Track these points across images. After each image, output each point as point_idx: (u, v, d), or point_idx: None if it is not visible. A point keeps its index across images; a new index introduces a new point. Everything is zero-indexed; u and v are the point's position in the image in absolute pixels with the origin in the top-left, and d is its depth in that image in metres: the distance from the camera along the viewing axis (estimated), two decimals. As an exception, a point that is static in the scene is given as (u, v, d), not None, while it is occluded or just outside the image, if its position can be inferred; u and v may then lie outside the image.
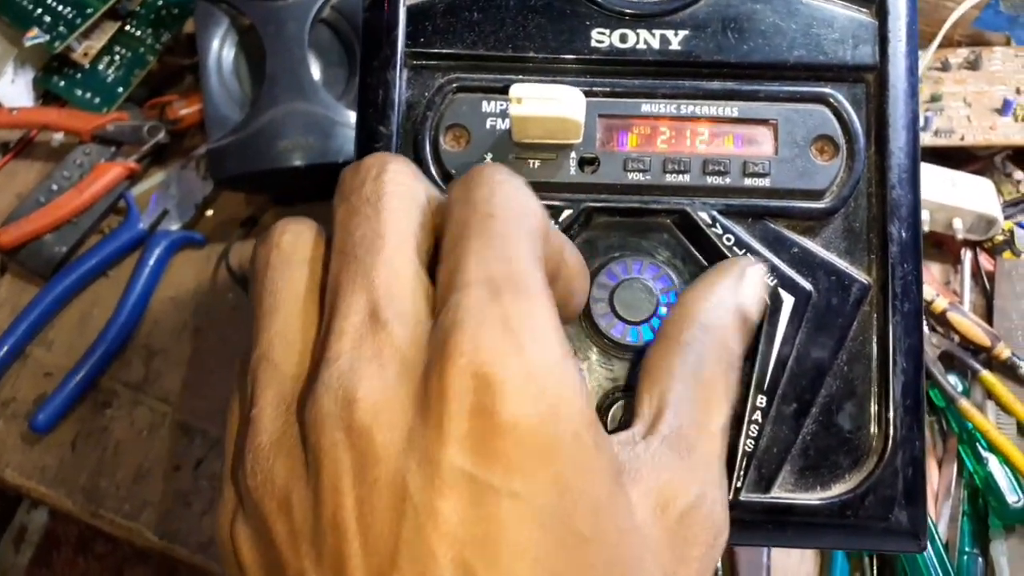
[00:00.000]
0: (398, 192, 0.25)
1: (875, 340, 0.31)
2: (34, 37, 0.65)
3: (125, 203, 0.67)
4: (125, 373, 0.64)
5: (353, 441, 0.21)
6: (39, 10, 0.67)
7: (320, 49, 0.64)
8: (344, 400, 0.22)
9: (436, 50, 0.32)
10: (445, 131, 0.32)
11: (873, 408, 0.31)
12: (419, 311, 0.23)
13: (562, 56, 0.33)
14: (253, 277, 0.27)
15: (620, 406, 0.30)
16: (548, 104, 0.29)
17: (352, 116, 0.62)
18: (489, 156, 0.32)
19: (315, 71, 0.63)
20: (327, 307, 0.24)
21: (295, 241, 0.26)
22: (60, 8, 0.67)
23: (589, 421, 0.22)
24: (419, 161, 0.32)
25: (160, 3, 0.71)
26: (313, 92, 0.62)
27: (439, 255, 0.24)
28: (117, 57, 0.69)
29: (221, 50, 0.64)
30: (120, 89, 0.69)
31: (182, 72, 0.72)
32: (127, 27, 0.70)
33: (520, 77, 0.32)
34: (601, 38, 0.33)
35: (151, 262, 0.65)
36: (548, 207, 0.31)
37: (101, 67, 0.69)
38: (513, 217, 0.24)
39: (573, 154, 0.32)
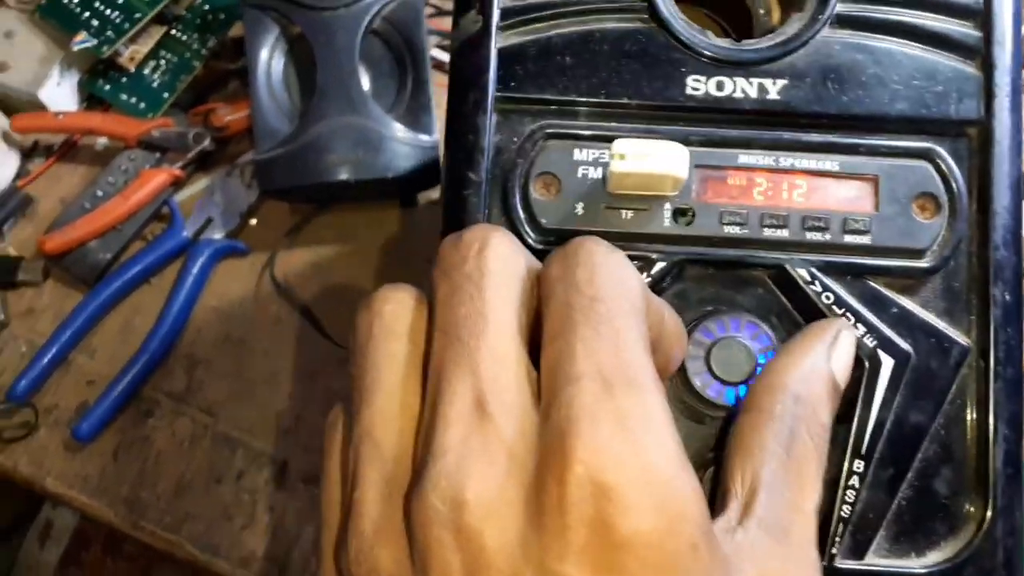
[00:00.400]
0: (501, 270, 0.24)
1: (974, 404, 0.30)
2: (82, 41, 0.65)
3: (169, 210, 0.67)
4: (167, 382, 0.64)
5: (462, 543, 0.21)
6: (87, 13, 0.66)
7: (370, 60, 0.63)
8: (453, 500, 0.21)
9: (527, 95, 0.32)
10: (535, 179, 0.31)
11: (972, 475, 0.30)
12: (525, 401, 0.23)
13: (657, 103, 0.32)
14: (354, 345, 0.27)
15: (709, 477, 0.29)
16: (652, 161, 0.28)
17: (401, 130, 0.62)
18: (580, 206, 0.31)
19: (364, 82, 0.62)
20: (430, 389, 0.24)
21: (397, 311, 0.26)
22: (108, 12, 0.66)
23: (706, 530, 0.21)
24: (507, 209, 0.31)
25: (206, 7, 0.70)
26: (363, 105, 0.61)
27: (542, 337, 0.24)
28: (163, 62, 0.69)
29: (270, 60, 0.63)
30: (166, 94, 0.68)
31: (227, 77, 0.72)
32: (173, 31, 0.69)
33: (613, 124, 0.32)
34: (697, 85, 0.32)
35: (194, 271, 0.65)
36: (640, 258, 0.31)
37: (147, 72, 0.68)
38: (618, 300, 0.23)
39: (668, 205, 0.31)
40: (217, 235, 0.66)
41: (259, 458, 0.62)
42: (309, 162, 0.61)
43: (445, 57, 0.72)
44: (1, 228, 0.67)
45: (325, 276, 0.67)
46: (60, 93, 0.67)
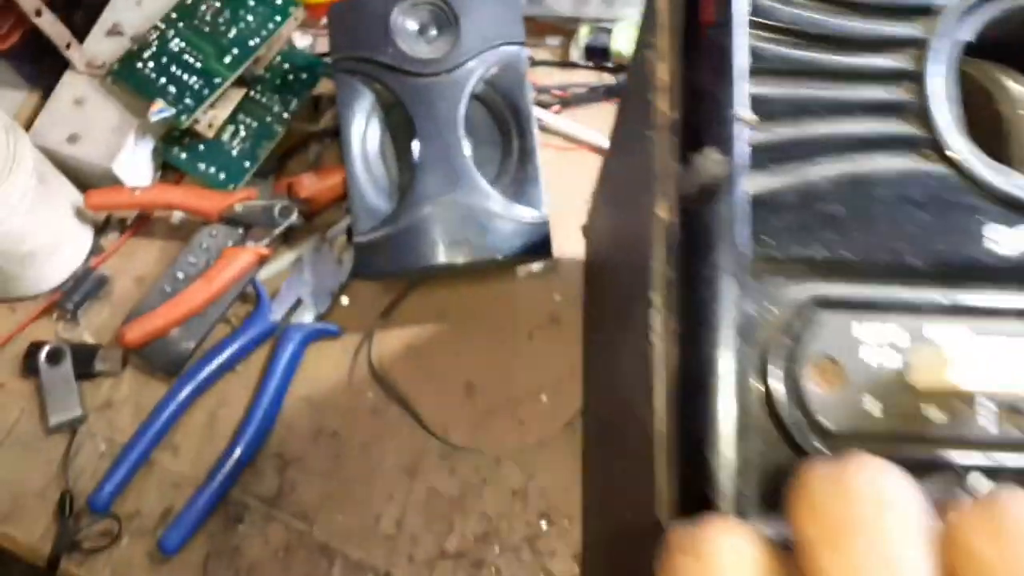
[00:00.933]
0: (904, 508, 0.19)
1: None
2: (159, 111, 0.59)
3: (254, 290, 0.62)
4: (257, 484, 0.59)
5: None
6: (163, 79, 0.61)
7: (470, 126, 0.57)
8: None
9: (788, 253, 0.25)
10: (805, 362, 0.25)
11: None
12: None
13: (950, 263, 0.25)
14: None
15: None
16: (996, 371, 0.22)
17: (509, 205, 0.56)
18: (874, 402, 0.25)
19: (465, 149, 0.57)
20: None
21: (737, 562, 0.20)
22: (186, 77, 0.61)
23: None
24: (771, 403, 0.25)
25: (286, 66, 0.65)
26: (468, 180, 0.56)
27: None
28: (243, 128, 0.63)
29: (365, 131, 0.57)
30: (247, 163, 0.63)
31: (308, 139, 0.66)
32: (253, 93, 0.64)
33: (900, 289, 0.25)
34: (995, 237, 0.25)
35: (284, 359, 0.60)
36: (956, 468, 0.24)
37: (226, 138, 0.63)
38: None
39: (991, 404, 0.25)
40: (307, 318, 0.61)
41: (359, 570, 0.57)
42: (413, 246, 0.55)
43: (545, 116, 0.66)
44: (76, 312, 0.62)
45: (423, 359, 0.61)
46: (134, 163, 0.62)
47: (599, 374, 0.52)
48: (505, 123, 0.58)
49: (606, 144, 0.66)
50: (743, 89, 0.25)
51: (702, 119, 0.25)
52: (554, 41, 0.70)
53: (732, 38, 0.25)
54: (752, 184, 0.25)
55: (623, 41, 0.67)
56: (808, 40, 0.27)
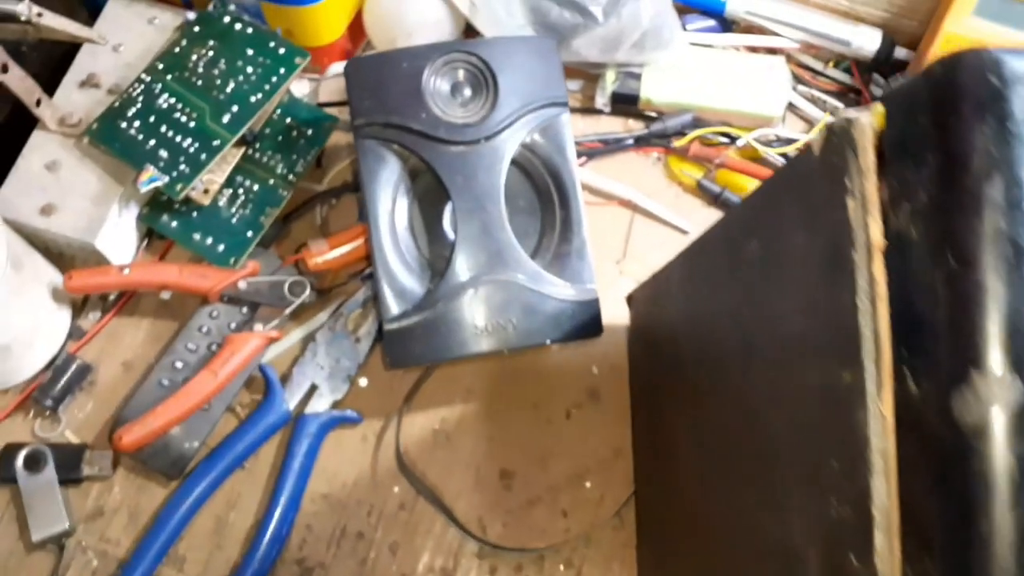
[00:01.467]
0: None
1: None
2: (150, 179, 0.52)
3: (262, 376, 0.55)
4: (278, 597, 0.53)
5: None
6: (151, 141, 0.53)
7: (506, 193, 0.52)
8: None
9: None
10: None
11: None
12: None
13: None
14: None
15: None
16: None
17: (555, 283, 0.51)
18: None
19: (507, 223, 0.51)
20: None
21: None
22: (179, 139, 0.53)
23: None
24: None
25: (288, 120, 0.58)
26: (511, 259, 0.50)
27: None
28: (242, 192, 0.56)
29: (394, 204, 0.51)
30: (249, 233, 0.56)
31: (313, 199, 0.60)
32: (252, 152, 0.57)
33: None
34: None
35: (300, 453, 0.54)
36: None
37: (223, 204, 0.56)
38: None
39: None
40: (323, 405, 0.55)
41: None
42: (451, 332, 0.50)
43: (587, 177, 0.61)
44: (56, 408, 0.54)
45: (453, 445, 0.56)
46: (118, 235, 0.55)
47: (666, 454, 0.48)
48: (546, 191, 0.53)
49: (638, 199, 0.61)
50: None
51: (980, 329, 0.20)
52: (575, 86, 0.64)
53: (1021, 225, 0.21)
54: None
55: (653, 88, 0.62)
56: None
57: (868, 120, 0.24)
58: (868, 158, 0.24)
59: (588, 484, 0.56)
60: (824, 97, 0.65)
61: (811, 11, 0.64)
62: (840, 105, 0.65)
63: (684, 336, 0.45)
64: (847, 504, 0.25)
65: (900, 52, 0.63)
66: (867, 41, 0.63)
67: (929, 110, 0.22)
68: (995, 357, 0.20)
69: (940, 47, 0.58)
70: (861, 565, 0.24)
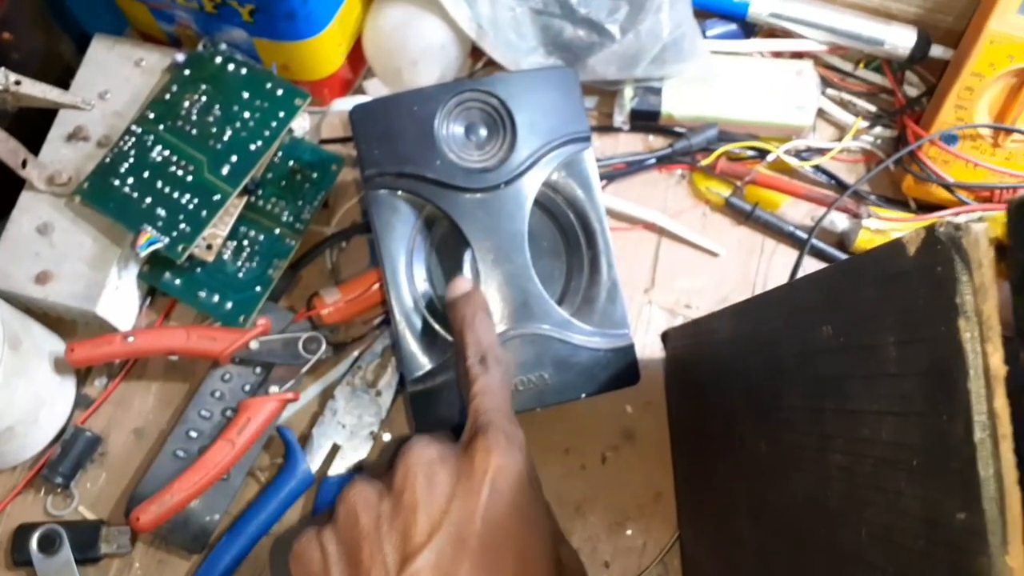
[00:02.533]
0: None
1: None
2: (148, 241, 0.49)
3: (281, 438, 0.52)
4: (313, 670, 0.50)
5: None
6: (147, 199, 0.50)
7: (530, 235, 0.48)
8: None
9: None
10: None
11: None
12: None
13: None
14: None
15: None
16: None
17: (588, 332, 0.48)
18: None
19: (533, 272, 0.48)
20: None
21: None
22: (177, 196, 0.50)
23: None
24: None
25: (291, 164, 0.54)
26: (540, 310, 0.47)
27: None
28: (247, 244, 0.53)
29: (411, 257, 0.48)
30: (258, 288, 0.53)
31: (321, 243, 0.57)
32: (254, 200, 0.53)
33: None
34: None
35: (327, 518, 0.51)
36: None
37: (228, 257, 0.53)
38: None
39: None
40: (347, 466, 0.52)
41: None
42: (481, 392, 0.46)
43: (609, 201, 0.58)
44: (68, 484, 0.51)
45: (485, 498, 0.53)
46: (119, 298, 0.52)
47: (715, 505, 0.45)
48: (571, 231, 0.50)
49: (664, 222, 0.58)
50: None
51: None
52: (590, 103, 0.61)
53: None
54: None
55: (675, 102, 0.58)
56: None
57: (983, 230, 0.21)
58: (987, 276, 0.21)
59: (629, 531, 0.53)
60: (855, 100, 0.62)
61: (839, 10, 0.60)
62: (872, 108, 0.61)
63: (737, 391, 0.41)
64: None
65: (936, 50, 0.60)
66: (901, 40, 0.59)
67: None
68: None
69: (984, 47, 0.54)
70: None
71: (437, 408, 0.47)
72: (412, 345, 0.47)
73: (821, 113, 0.62)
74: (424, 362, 0.47)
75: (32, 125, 0.53)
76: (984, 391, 0.21)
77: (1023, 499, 0.20)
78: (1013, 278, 0.20)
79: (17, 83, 0.42)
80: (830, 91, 0.62)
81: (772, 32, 0.62)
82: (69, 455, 0.51)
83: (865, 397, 0.27)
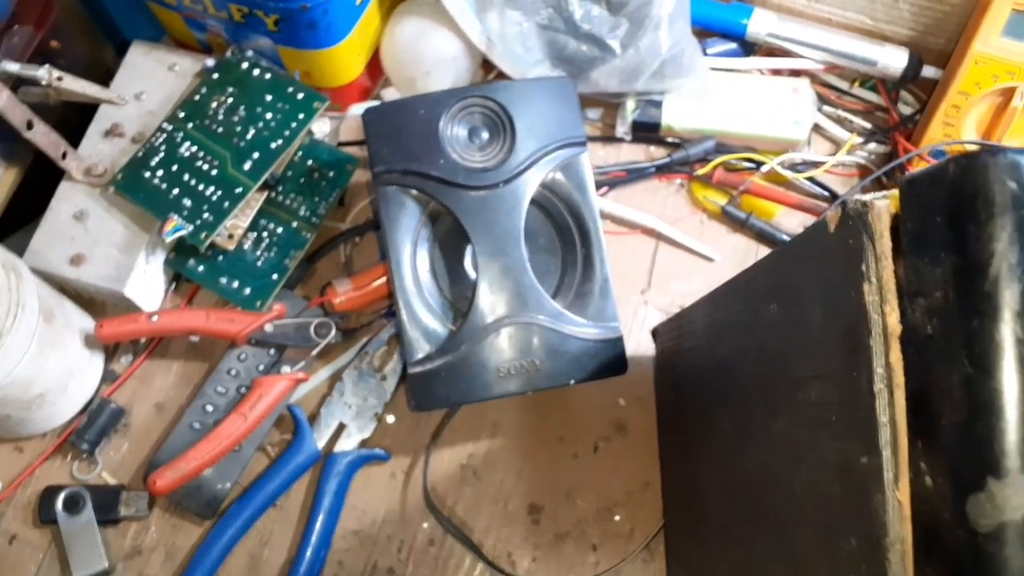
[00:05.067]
0: None
1: None
2: (174, 228, 0.53)
3: (291, 416, 0.56)
4: (312, 635, 0.53)
5: None
6: (175, 190, 0.54)
7: (526, 232, 0.52)
8: None
9: None
10: None
11: None
12: None
13: None
14: None
15: None
16: None
17: (578, 323, 0.51)
18: None
19: (528, 266, 0.51)
20: None
21: None
22: (202, 188, 0.54)
23: None
24: None
25: (309, 162, 0.58)
26: (534, 301, 0.50)
27: None
28: (266, 235, 0.57)
29: (416, 249, 0.52)
30: (275, 276, 0.56)
31: (336, 237, 0.60)
32: (274, 195, 0.57)
33: None
34: None
35: (331, 491, 0.54)
36: None
37: (248, 247, 0.57)
38: None
39: None
40: (351, 443, 0.56)
41: None
42: (475, 375, 0.50)
43: (610, 207, 0.61)
44: (93, 451, 0.55)
45: (480, 480, 0.56)
46: (147, 281, 0.56)
47: (694, 490, 0.48)
48: (566, 229, 0.53)
49: (661, 227, 0.61)
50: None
51: (997, 436, 0.20)
52: (595, 114, 0.64)
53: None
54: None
55: (674, 114, 0.61)
56: None
57: (885, 205, 0.24)
58: (885, 245, 0.24)
59: (617, 517, 0.56)
60: (851, 117, 0.65)
61: (835, 31, 0.63)
62: (867, 125, 0.64)
63: (709, 378, 0.44)
64: (865, 584, 0.25)
65: (928, 71, 0.62)
66: (893, 60, 0.62)
67: (946, 211, 0.22)
68: (1011, 465, 0.20)
69: (970, 67, 0.57)
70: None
71: (434, 388, 0.50)
72: (413, 330, 0.50)
73: (817, 129, 0.64)
74: (423, 346, 0.50)
75: (72, 122, 0.57)
76: (883, 347, 0.24)
77: (910, 443, 0.23)
78: (904, 245, 0.23)
79: (59, 79, 0.47)
80: (827, 108, 0.65)
81: (771, 51, 0.65)
82: (95, 424, 0.55)
83: (801, 365, 0.30)
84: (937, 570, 0.21)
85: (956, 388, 0.21)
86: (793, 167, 0.62)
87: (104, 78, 0.58)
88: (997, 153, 0.21)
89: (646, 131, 0.62)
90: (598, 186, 0.62)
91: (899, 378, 0.23)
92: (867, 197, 0.25)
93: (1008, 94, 0.57)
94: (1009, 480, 0.20)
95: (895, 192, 0.24)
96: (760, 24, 0.63)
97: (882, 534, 0.24)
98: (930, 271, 0.22)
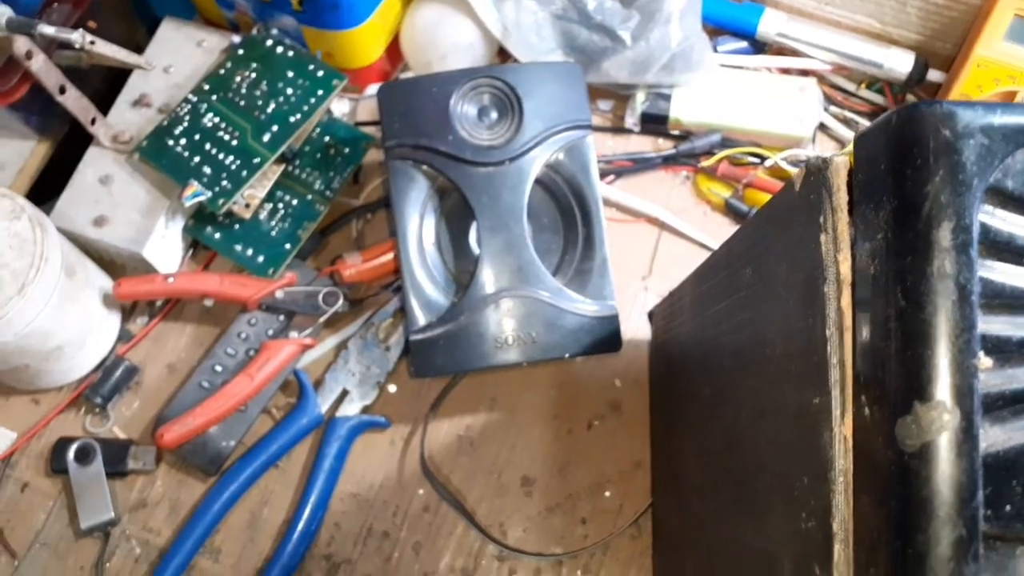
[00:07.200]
0: None
1: None
2: (194, 194, 0.55)
3: (296, 380, 0.58)
4: (306, 592, 0.55)
5: None
6: (196, 158, 0.56)
7: (530, 212, 0.54)
8: None
9: None
10: None
11: None
12: None
13: None
14: None
15: None
16: None
17: (576, 299, 0.52)
18: None
19: (530, 241, 0.53)
20: None
21: None
22: (222, 157, 0.56)
23: None
24: None
25: (327, 139, 0.61)
26: (534, 275, 0.52)
27: None
28: (281, 207, 0.59)
29: (422, 221, 0.54)
30: (288, 246, 0.59)
31: (349, 213, 0.63)
32: (291, 169, 0.60)
33: None
34: None
35: (331, 455, 0.56)
36: None
37: (263, 218, 0.59)
38: None
39: None
40: (353, 409, 0.58)
41: None
42: (474, 344, 0.52)
43: (616, 195, 0.63)
44: (105, 406, 0.58)
45: (477, 452, 0.58)
46: (165, 246, 0.58)
47: (678, 465, 0.49)
48: (568, 209, 0.55)
49: (665, 217, 0.63)
50: (975, 326, 0.22)
51: (923, 363, 0.22)
52: (606, 106, 0.66)
53: (966, 268, 0.22)
54: (985, 442, 0.22)
55: (683, 108, 0.63)
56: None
57: (842, 161, 0.26)
58: (840, 197, 0.25)
59: (608, 493, 0.57)
60: (856, 118, 0.66)
61: (843, 34, 0.65)
62: (870, 125, 0.65)
63: (693, 353, 0.46)
64: (814, 518, 0.26)
65: (934, 75, 0.63)
66: (899, 63, 0.63)
67: (887, 158, 0.23)
68: (936, 389, 0.21)
69: (972, 71, 0.58)
70: (824, 575, 0.25)
71: (433, 356, 0.52)
72: (416, 299, 0.52)
73: (823, 128, 0.66)
74: (425, 315, 0.52)
75: (103, 93, 0.60)
76: (836, 292, 0.25)
77: (854, 379, 0.24)
78: (855, 195, 0.25)
79: (92, 43, 0.49)
80: (833, 108, 0.66)
81: (781, 51, 0.67)
82: (109, 380, 0.58)
83: (768, 322, 0.31)
84: (872, 492, 0.23)
85: (891, 320, 0.22)
86: (797, 163, 0.64)
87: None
88: (934, 104, 0.22)
89: (655, 123, 0.64)
90: (606, 174, 0.63)
91: (848, 321, 0.25)
92: (827, 154, 0.26)
93: (1009, 97, 0.58)
94: (933, 403, 0.21)
95: (850, 148, 0.26)
96: (770, 24, 0.65)
97: (828, 467, 0.25)
98: (874, 216, 0.23)
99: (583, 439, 0.58)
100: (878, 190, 0.23)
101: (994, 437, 0.22)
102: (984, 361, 0.22)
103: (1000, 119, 0.22)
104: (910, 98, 0.66)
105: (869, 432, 0.23)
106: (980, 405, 0.21)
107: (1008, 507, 0.22)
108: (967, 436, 0.21)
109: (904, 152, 0.22)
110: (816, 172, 0.26)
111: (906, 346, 0.22)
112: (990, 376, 0.22)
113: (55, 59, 0.53)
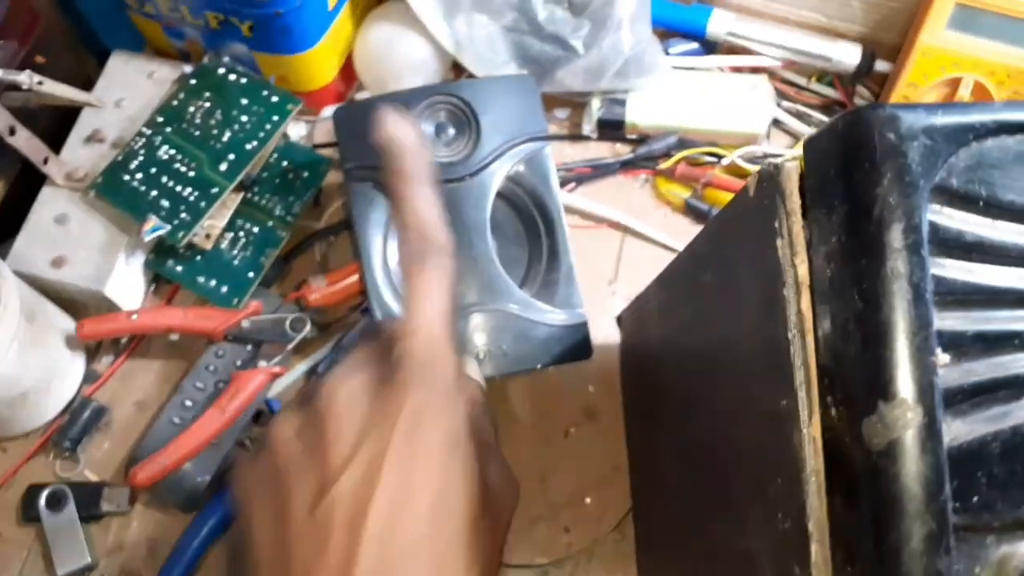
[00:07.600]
0: None
1: None
2: (153, 228, 0.55)
3: (268, 410, 0.57)
4: (292, 622, 0.54)
5: None
6: (153, 192, 0.56)
7: (493, 225, 0.54)
8: None
9: (996, 512, 0.22)
10: None
11: None
12: None
13: None
14: None
15: None
16: None
17: (544, 309, 0.53)
18: None
19: (494, 256, 0.53)
20: None
21: None
22: (179, 189, 0.56)
23: None
24: None
25: (284, 164, 0.60)
26: (501, 289, 0.52)
27: None
28: (242, 235, 0.59)
29: (385, 242, 0.53)
30: (251, 274, 0.58)
31: (312, 236, 0.62)
32: (250, 196, 0.59)
33: None
34: None
35: (308, 483, 0.56)
36: None
37: (225, 247, 0.58)
38: None
39: None
40: (328, 435, 0.57)
41: None
42: (445, 363, 0.51)
43: (577, 202, 0.63)
44: (75, 449, 0.57)
45: (455, 470, 0.58)
46: (127, 282, 0.57)
47: (657, 468, 0.50)
48: (531, 221, 0.55)
49: (627, 221, 0.63)
50: (931, 323, 0.22)
51: (884, 363, 0.22)
52: (562, 114, 0.66)
53: (919, 268, 0.22)
54: (948, 435, 0.22)
55: (638, 112, 0.64)
56: (1000, 262, 0.24)
57: (793, 166, 0.26)
58: (794, 202, 0.26)
59: (588, 500, 0.57)
60: (809, 111, 0.67)
61: (791, 29, 0.66)
62: (825, 119, 0.66)
63: (664, 356, 0.46)
64: (790, 519, 0.26)
65: (881, 65, 0.64)
66: (847, 56, 0.64)
67: (835, 163, 0.23)
68: (898, 388, 0.22)
69: (917, 60, 0.59)
70: (803, 574, 0.25)
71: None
72: (384, 319, 0.52)
73: (777, 123, 0.67)
74: (395, 336, 0.52)
75: (54, 131, 0.59)
76: (795, 295, 0.26)
77: (819, 381, 0.25)
78: (808, 200, 0.25)
79: (40, 83, 0.49)
80: (786, 103, 0.67)
81: (732, 49, 0.67)
82: (77, 423, 0.57)
83: (732, 325, 0.32)
84: (843, 491, 0.23)
85: (850, 322, 0.23)
86: (753, 160, 0.64)
87: (86, 89, 0.60)
88: (878, 108, 0.23)
89: (611, 129, 0.64)
90: (566, 182, 0.64)
91: (809, 324, 0.25)
92: (779, 160, 0.27)
93: (954, 84, 0.59)
94: (896, 402, 0.21)
95: (800, 153, 0.26)
96: (719, 24, 0.65)
97: (800, 468, 0.25)
98: (827, 220, 0.24)
99: (561, 447, 0.59)
100: (829, 194, 0.24)
101: (957, 431, 0.22)
102: (942, 357, 0.22)
103: (942, 120, 0.23)
104: (860, 89, 0.67)
105: (837, 432, 0.23)
106: (941, 400, 0.22)
107: (975, 498, 0.22)
108: (931, 432, 0.21)
109: (851, 156, 0.23)
110: (768, 178, 0.27)
111: (866, 347, 0.22)
112: (948, 371, 0.23)
113: (3, 101, 0.52)
